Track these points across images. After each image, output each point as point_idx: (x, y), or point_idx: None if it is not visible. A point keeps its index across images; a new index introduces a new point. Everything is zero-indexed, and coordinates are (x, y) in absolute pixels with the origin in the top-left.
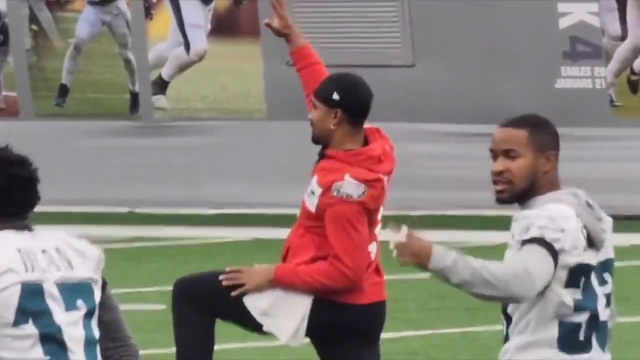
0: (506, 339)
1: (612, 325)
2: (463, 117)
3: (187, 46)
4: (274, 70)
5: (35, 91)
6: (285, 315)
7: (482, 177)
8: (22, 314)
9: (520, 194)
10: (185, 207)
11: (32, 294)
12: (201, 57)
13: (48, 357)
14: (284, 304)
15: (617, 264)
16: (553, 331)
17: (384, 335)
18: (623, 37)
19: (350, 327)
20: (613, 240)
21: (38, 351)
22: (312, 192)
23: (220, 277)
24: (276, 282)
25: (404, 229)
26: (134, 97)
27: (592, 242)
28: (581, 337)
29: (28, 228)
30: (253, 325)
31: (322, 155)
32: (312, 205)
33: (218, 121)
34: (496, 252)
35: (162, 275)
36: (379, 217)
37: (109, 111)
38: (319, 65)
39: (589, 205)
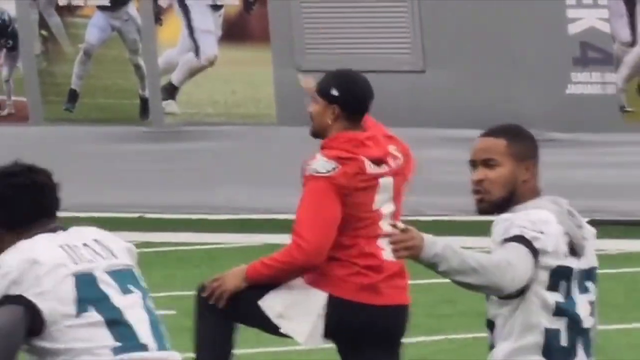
0: (491, 347)
1: (596, 332)
2: (473, 123)
3: (197, 51)
4: (284, 75)
5: (45, 96)
6: (300, 317)
7: None
8: (83, 303)
9: (499, 203)
10: (196, 212)
11: (86, 283)
12: (211, 63)
13: (118, 343)
14: (299, 305)
15: (630, 269)
16: (537, 337)
17: None
18: (633, 43)
19: (367, 329)
20: (625, 246)
21: (107, 337)
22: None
23: (204, 291)
24: (249, 279)
25: (400, 225)
26: (144, 102)
27: (573, 249)
28: (563, 342)
29: (61, 228)
30: (272, 329)
31: None
32: None
33: (228, 126)
34: None
35: (172, 281)
36: (385, 210)
37: (119, 116)
38: None
39: (570, 213)
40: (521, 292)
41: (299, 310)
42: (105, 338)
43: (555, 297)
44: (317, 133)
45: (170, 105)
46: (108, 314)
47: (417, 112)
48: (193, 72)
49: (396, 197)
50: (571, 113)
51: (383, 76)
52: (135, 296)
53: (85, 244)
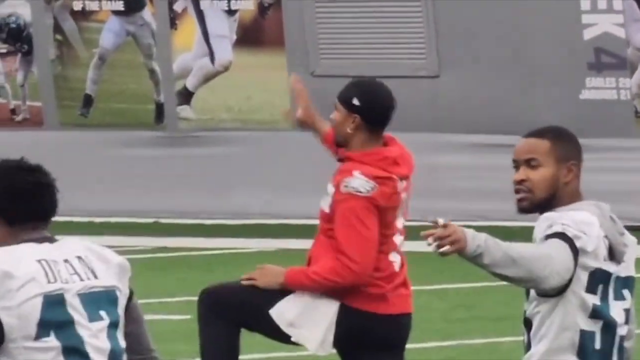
0: (528, 347)
1: (631, 346)
2: (488, 128)
3: (212, 56)
4: None
5: (60, 101)
6: (311, 325)
7: (506, 188)
8: (44, 327)
9: (540, 203)
10: (210, 218)
11: (53, 304)
12: (226, 68)
13: None
14: (310, 313)
15: None
16: (573, 337)
17: (408, 345)
18: None
19: (376, 337)
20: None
21: None
22: (327, 193)
23: (207, 296)
24: (287, 284)
25: (441, 220)
26: (159, 107)
27: (612, 254)
28: (597, 345)
29: (49, 239)
30: (280, 336)
31: (341, 160)
32: (326, 205)
33: (243, 132)
34: None
35: (186, 286)
36: (399, 224)
37: (134, 121)
38: None
39: (612, 219)
40: (561, 291)
41: (310, 319)
42: None
43: (592, 300)
44: (340, 142)
45: (185, 111)
46: (67, 342)
47: (432, 118)
48: (208, 77)
49: (405, 209)
50: (585, 118)
51: (397, 81)
52: (103, 324)
53: (66, 260)
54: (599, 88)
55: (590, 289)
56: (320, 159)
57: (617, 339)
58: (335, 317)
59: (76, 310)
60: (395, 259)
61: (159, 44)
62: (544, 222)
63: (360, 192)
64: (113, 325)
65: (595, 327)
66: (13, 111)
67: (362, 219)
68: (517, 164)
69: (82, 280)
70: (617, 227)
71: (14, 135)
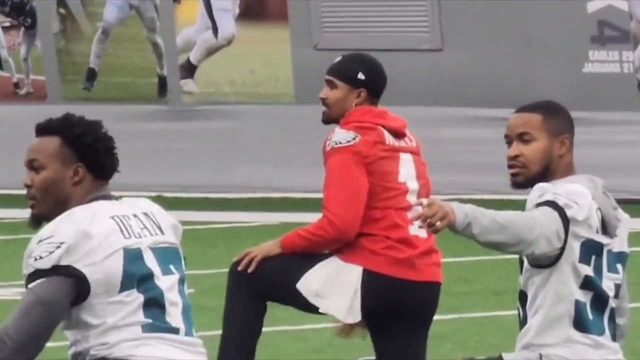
0: (524, 321)
1: (626, 323)
2: (490, 102)
3: (216, 30)
4: (302, 55)
5: (63, 75)
6: (337, 293)
7: None
8: (128, 280)
9: (534, 177)
10: (213, 191)
11: (133, 258)
12: (229, 41)
13: (150, 320)
14: (334, 282)
15: None
16: (569, 307)
17: None
18: None
19: (401, 304)
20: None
21: (141, 315)
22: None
23: (236, 267)
24: (284, 248)
25: (424, 201)
26: (162, 81)
27: (605, 228)
28: (590, 315)
29: (115, 197)
30: (309, 307)
31: None
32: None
33: (246, 105)
34: None
35: (190, 260)
36: (411, 184)
37: (137, 95)
38: None
39: (605, 194)
40: (553, 261)
41: (335, 287)
42: (138, 315)
43: (586, 270)
44: (335, 119)
45: (188, 84)
46: (148, 294)
47: (435, 91)
48: (211, 51)
49: (420, 177)
50: (589, 91)
51: (400, 55)
52: (174, 278)
53: (135, 215)
54: (602, 61)
55: (583, 259)
56: (324, 133)
57: (607, 312)
58: (360, 283)
59: (153, 264)
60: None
61: (162, 18)
62: (536, 192)
63: (341, 143)
64: (181, 281)
65: (585, 297)
66: (16, 85)
67: (344, 171)
68: (509, 139)
69: (151, 235)
70: (610, 201)
71: (18, 109)
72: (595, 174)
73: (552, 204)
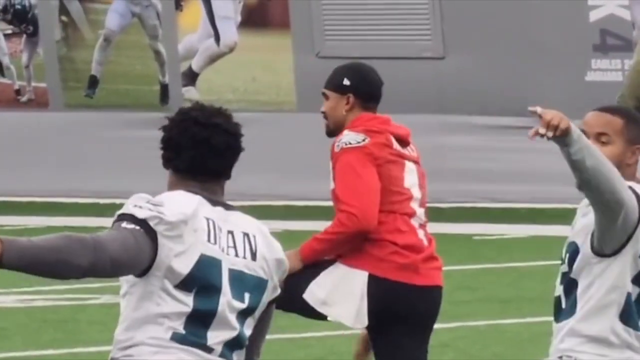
0: (570, 309)
1: None
2: (493, 110)
3: (218, 38)
4: (304, 62)
5: (65, 82)
6: (344, 300)
7: (512, 170)
8: (190, 281)
9: None
10: None
11: (208, 265)
12: (231, 49)
13: (184, 332)
14: (340, 288)
15: None
16: (620, 299)
17: None
18: None
19: (406, 309)
20: None
21: (179, 322)
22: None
23: None
24: (305, 259)
25: (538, 109)
26: (164, 88)
27: None
28: (635, 309)
29: (224, 205)
30: (317, 315)
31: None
32: (332, 182)
33: (248, 113)
34: (529, 244)
35: None
36: (415, 192)
37: (139, 102)
38: None
39: None
40: (617, 251)
41: (341, 294)
42: (177, 322)
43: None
44: (334, 130)
45: (190, 92)
46: (203, 304)
47: (437, 99)
48: (213, 59)
49: (421, 187)
50: (591, 99)
51: (403, 63)
52: (242, 306)
53: (229, 231)
54: (605, 70)
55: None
56: (325, 141)
57: None
58: (366, 289)
59: (226, 281)
60: (420, 229)
61: (164, 25)
62: None
63: (351, 143)
64: (250, 311)
65: (634, 291)
66: (18, 92)
67: (355, 168)
68: (585, 136)
69: (236, 256)
70: None
71: (19, 116)
72: None
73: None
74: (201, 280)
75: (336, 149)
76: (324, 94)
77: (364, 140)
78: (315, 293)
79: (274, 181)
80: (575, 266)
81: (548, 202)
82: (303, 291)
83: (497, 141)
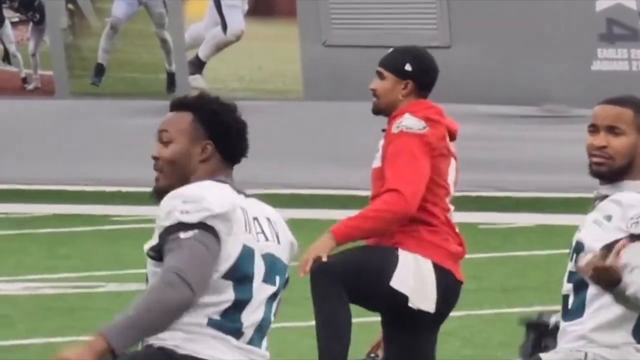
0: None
1: None
2: (498, 99)
3: (224, 26)
4: (310, 51)
5: (72, 70)
6: (423, 287)
7: (518, 158)
8: (233, 271)
9: (618, 171)
10: None
11: (246, 255)
12: (238, 37)
13: (220, 319)
14: (419, 276)
15: None
16: (633, 317)
17: None
18: None
19: (451, 300)
20: None
21: (217, 312)
22: (378, 150)
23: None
24: (341, 238)
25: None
26: (171, 76)
27: None
28: None
29: (243, 192)
30: (387, 305)
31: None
32: (378, 161)
33: (254, 101)
34: (534, 233)
35: None
36: (451, 187)
37: (146, 91)
38: None
39: None
40: None
41: (420, 281)
42: (215, 312)
43: None
44: (384, 110)
45: (196, 80)
46: (240, 295)
47: (443, 88)
48: (220, 47)
49: (455, 184)
50: (597, 89)
51: None
52: (272, 290)
53: (255, 218)
54: (611, 59)
55: None
56: (331, 129)
57: None
58: (434, 276)
59: (259, 268)
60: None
61: (170, 14)
62: (628, 209)
63: (412, 129)
64: (275, 295)
65: None
66: (24, 80)
67: (413, 153)
68: (596, 129)
69: (267, 240)
70: None
71: (26, 104)
72: None
73: None
74: (241, 270)
75: (395, 130)
76: (379, 72)
77: (424, 128)
78: (403, 280)
79: (280, 170)
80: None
81: (554, 191)
82: (389, 279)
83: (504, 130)
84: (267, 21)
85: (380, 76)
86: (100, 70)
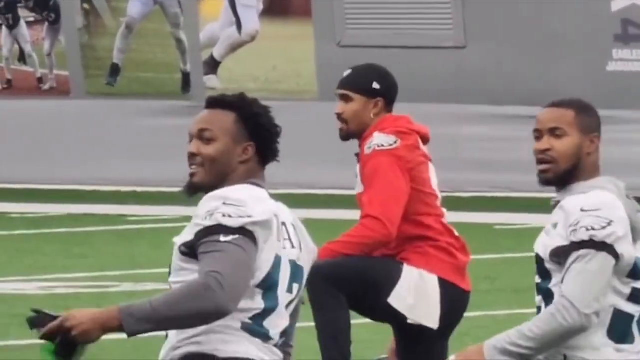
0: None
1: None
2: (514, 100)
3: (239, 26)
4: (325, 51)
5: (87, 70)
6: (425, 302)
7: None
8: (266, 279)
9: (564, 175)
10: None
11: (277, 262)
12: (253, 38)
13: (251, 322)
14: (421, 292)
15: None
16: (606, 318)
17: None
18: None
19: (459, 313)
20: None
21: (247, 317)
22: (356, 175)
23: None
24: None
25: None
26: (186, 76)
27: (633, 235)
28: (634, 328)
29: (272, 198)
30: (390, 318)
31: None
32: (360, 187)
33: (269, 102)
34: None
35: None
36: (438, 194)
37: (161, 91)
38: None
39: (628, 197)
40: None
41: (422, 297)
42: (245, 317)
43: (633, 283)
44: (354, 133)
45: (211, 80)
46: (268, 303)
47: (458, 89)
48: (235, 47)
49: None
50: (612, 90)
51: (424, 52)
52: (290, 297)
53: (283, 223)
54: (626, 60)
55: (632, 273)
56: None
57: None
58: (439, 292)
59: (285, 276)
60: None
61: (186, 14)
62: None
63: (383, 146)
64: (294, 300)
65: (631, 309)
66: (40, 80)
67: (387, 173)
68: (540, 134)
69: (292, 247)
70: (633, 204)
71: (41, 104)
72: (618, 173)
73: (593, 245)
74: (272, 279)
75: (367, 151)
76: (344, 95)
77: (395, 142)
78: (403, 298)
79: (296, 170)
80: (539, 279)
81: None
82: (387, 295)
83: (519, 131)
84: (282, 21)
85: (346, 99)
86: (115, 70)
